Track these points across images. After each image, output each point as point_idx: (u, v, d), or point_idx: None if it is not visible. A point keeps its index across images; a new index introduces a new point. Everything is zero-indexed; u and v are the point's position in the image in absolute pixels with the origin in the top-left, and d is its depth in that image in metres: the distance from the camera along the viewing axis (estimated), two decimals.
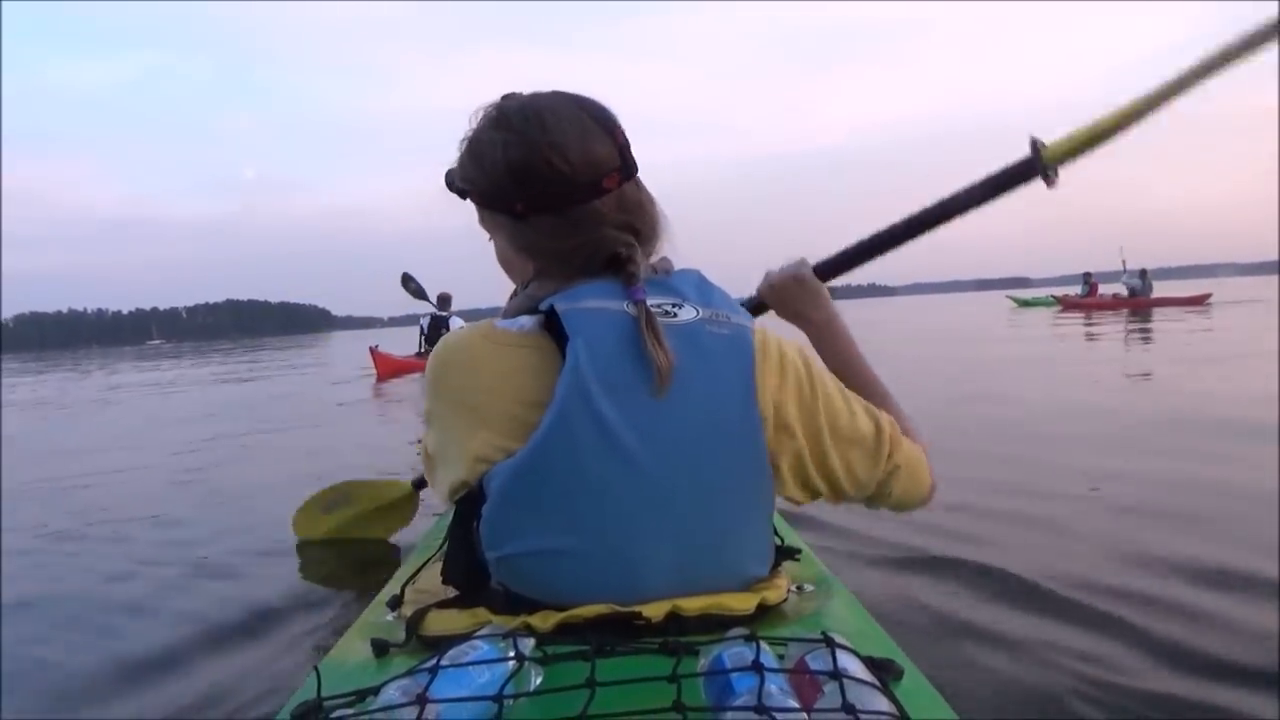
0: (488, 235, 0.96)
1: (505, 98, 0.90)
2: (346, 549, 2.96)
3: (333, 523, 3.00)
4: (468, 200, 0.93)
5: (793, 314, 1.17)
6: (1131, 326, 14.19)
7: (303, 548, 3.00)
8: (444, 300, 11.16)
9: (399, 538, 3.00)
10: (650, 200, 0.91)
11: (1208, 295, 20.23)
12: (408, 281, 10.60)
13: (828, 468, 0.89)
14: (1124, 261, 21.30)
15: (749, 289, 1.27)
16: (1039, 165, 1.17)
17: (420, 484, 2.88)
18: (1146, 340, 11.53)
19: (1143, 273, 20.99)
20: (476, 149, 0.89)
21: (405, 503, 2.97)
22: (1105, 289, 22.88)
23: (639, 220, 0.89)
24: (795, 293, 1.16)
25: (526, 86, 0.93)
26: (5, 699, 1.95)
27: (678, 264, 0.95)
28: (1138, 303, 20.01)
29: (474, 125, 0.90)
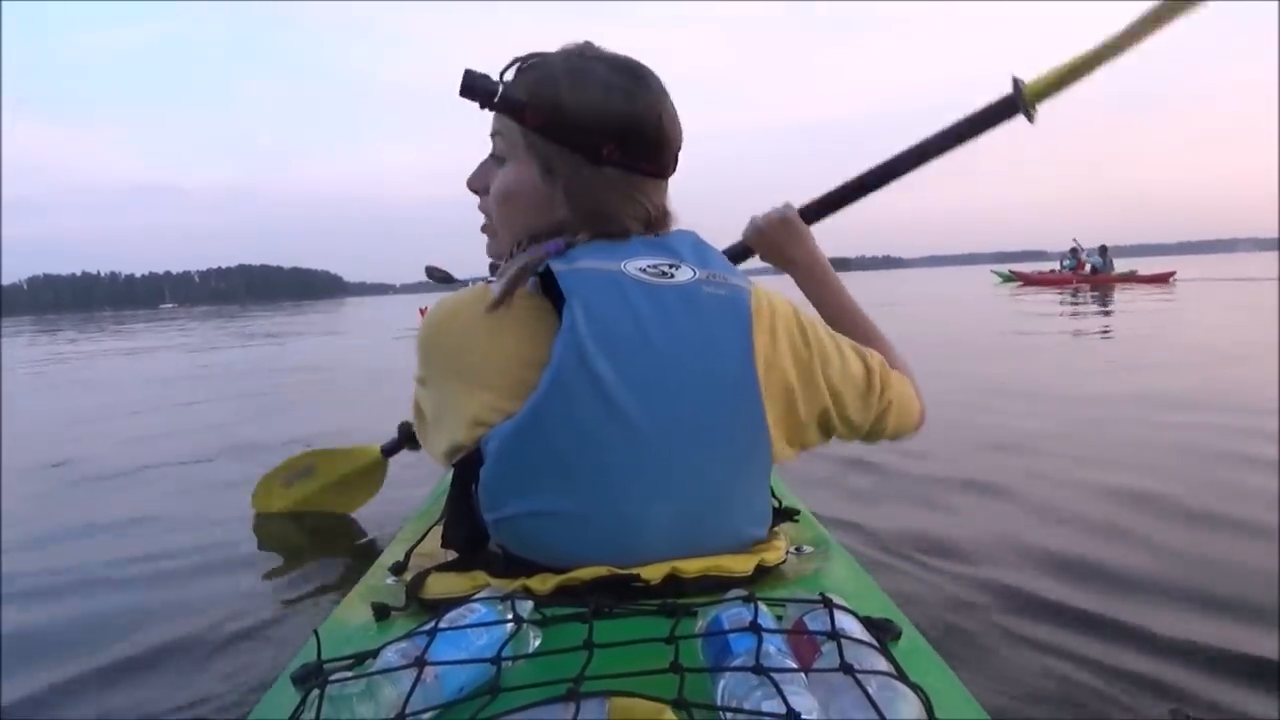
0: (496, 157, 0.93)
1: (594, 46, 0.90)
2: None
3: (294, 496, 2.85)
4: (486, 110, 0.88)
5: (778, 256, 1.22)
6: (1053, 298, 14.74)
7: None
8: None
9: (372, 509, 2.84)
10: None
11: (1172, 273, 20.40)
12: (432, 272, 10.95)
13: (824, 419, 0.93)
14: (1075, 240, 23.10)
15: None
16: (1020, 102, 1.23)
17: (390, 450, 2.69)
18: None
19: (1103, 249, 21.54)
20: (581, 77, 0.86)
21: (374, 471, 2.79)
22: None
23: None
24: (781, 234, 1.21)
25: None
26: None
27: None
28: (1096, 279, 20.25)
29: (567, 55, 0.88)
